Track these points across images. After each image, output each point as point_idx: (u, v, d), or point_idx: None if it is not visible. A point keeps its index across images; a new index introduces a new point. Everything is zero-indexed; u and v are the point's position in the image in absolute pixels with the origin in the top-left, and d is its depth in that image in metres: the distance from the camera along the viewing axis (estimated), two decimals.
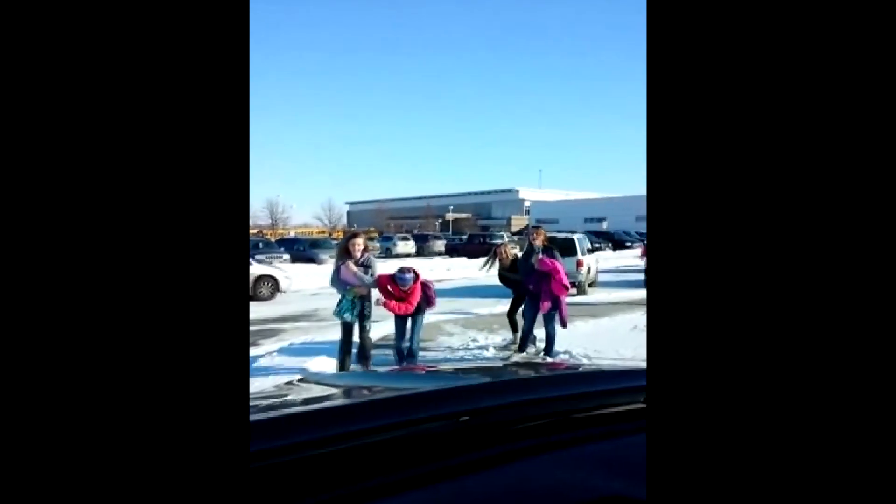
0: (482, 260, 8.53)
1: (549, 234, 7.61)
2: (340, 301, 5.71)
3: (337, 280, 5.71)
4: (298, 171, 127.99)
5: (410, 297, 5.70)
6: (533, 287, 6.34)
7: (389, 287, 5.71)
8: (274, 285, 13.45)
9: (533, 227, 7.06)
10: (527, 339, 6.67)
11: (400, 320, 6.00)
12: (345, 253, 5.78)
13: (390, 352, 6.33)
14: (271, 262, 17.54)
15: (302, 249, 27.80)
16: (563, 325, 6.51)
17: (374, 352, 5.99)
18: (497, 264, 7.49)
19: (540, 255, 6.31)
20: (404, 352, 6.01)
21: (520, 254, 7.34)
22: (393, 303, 5.67)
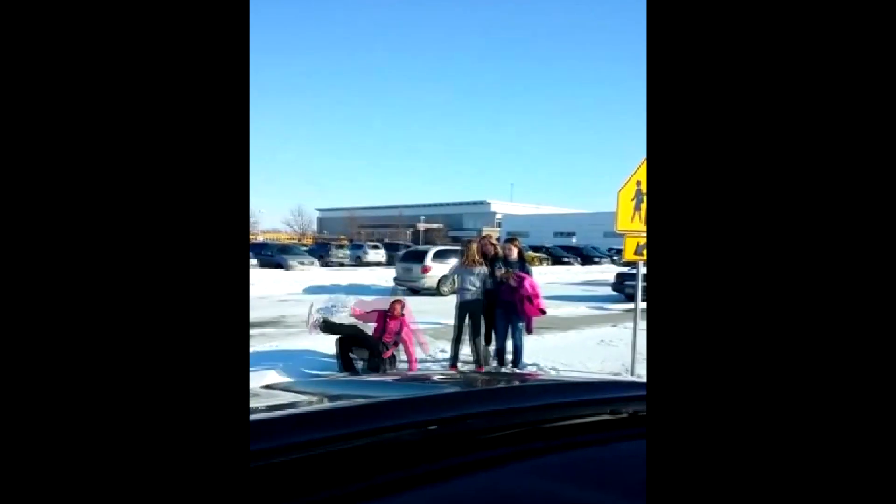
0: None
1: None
2: None
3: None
4: (268, 175, 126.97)
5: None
6: (506, 298, 6.29)
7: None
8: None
9: (507, 239, 6.92)
10: (502, 354, 6.62)
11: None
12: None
13: None
14: None
15: (270, 255, 27.50)
16: (529, 331, 6.54)
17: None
18: None
19: (507, 270, 6.26)
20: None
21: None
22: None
